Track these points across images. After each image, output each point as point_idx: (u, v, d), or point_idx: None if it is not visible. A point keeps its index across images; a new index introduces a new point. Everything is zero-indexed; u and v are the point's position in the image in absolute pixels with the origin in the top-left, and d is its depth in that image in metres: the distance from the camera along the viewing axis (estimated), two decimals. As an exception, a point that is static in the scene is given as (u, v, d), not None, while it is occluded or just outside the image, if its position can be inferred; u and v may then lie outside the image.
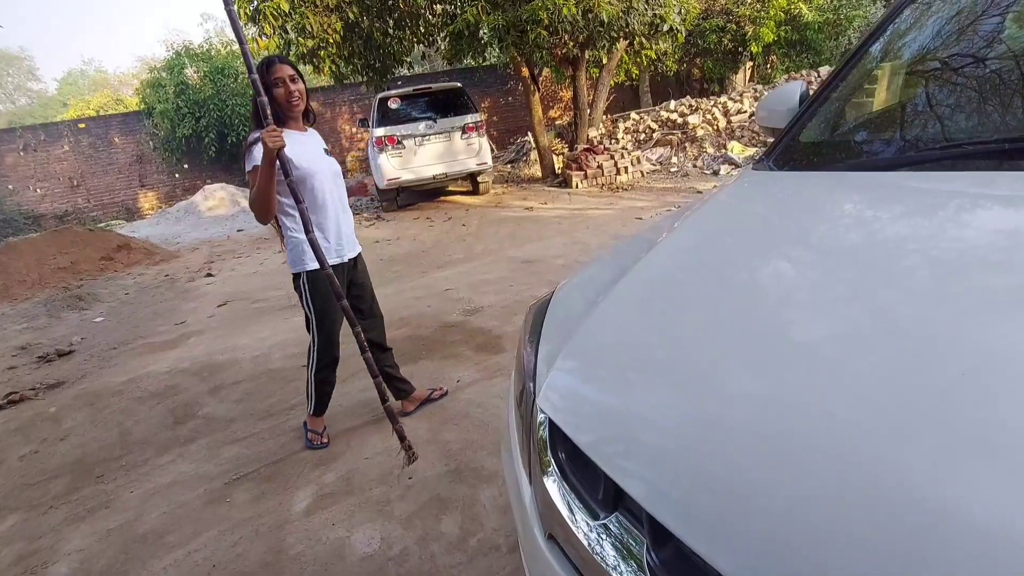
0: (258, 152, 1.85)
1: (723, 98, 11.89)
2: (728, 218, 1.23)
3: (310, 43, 6.92)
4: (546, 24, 6.02)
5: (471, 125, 7.95)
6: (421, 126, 7.79)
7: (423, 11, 7.35)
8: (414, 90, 8.41)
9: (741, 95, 11.76)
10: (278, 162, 1.82)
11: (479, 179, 8.93)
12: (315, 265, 1.97)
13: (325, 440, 2.36)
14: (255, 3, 6.58)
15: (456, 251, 5.72)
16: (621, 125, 12.26)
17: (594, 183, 8.91)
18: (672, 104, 12.32)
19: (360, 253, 2.29)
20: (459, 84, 8.59)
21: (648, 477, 0.63)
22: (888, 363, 0.59)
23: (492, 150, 12.25)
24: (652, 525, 0.59)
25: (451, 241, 6.25)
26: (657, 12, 6.72)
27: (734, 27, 12.35)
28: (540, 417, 0.80)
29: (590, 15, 6.09)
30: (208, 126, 13.27)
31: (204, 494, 2.14)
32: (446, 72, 14.00)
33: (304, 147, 2.04)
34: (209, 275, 6.32)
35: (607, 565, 0.62)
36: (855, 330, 0.68)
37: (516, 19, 6.16)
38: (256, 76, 1.81)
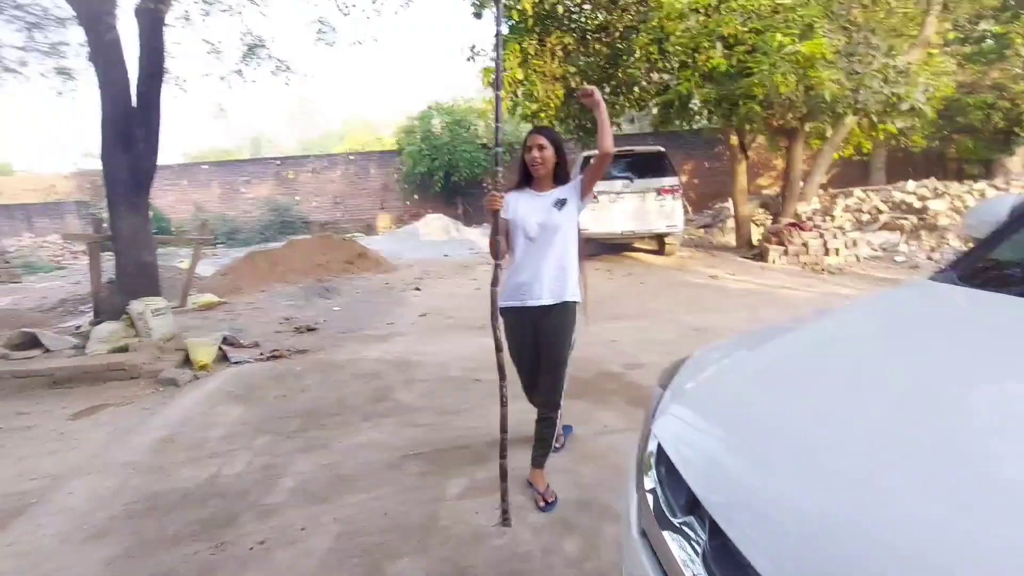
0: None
1: (982, 184, 10.06)
2: (886, 320, 1.26)
3: (534, 106, 7.93)
4: (761, 99, 5.98)
5: (667, 188, 8.12)
6: (618, 184, 8.21)
7: (639, 80, 7.88)
8: (617, 151, 8.91)
9: (1009, 183, 9.81)
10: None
11: (666, 240, 8.98)
12: (503, 304, 2.25)
13: (558, 445, 2.60)
14: (497, 72, 7.83)
15: (629, 306, 5.88)
16: (841, 202, 11.15)
17: (795, 261, 8.28)
18: (910, 184, 10.82)
19: (557, 306, 2.24)
20: (662, 148, 8.85)
21: (730, 514, 0.79)
22: None
23: (687, 211, 12.12)
24: (712, 529, 0.78)
25: (626, 296, 6.43)
26: (895, 91, 6.14)
27: (1008, 105, 10.43)
28: (652, 444, 1.01)
29: (811, 92, 5.88)
30: (440, 166, 15.75)
31: (387, 459, 2.68)
32: (651, 134, 14.39)
33: (527, 202, 2.25)
34: (417, 289, 7.50)
35: (679, 558, 0.81)
36: None
37: (730, 93, 6.25)
38: (502, 150, 2.19)
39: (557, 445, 2.61)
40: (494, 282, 2.18)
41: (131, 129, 4.91)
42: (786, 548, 0.70)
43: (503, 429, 2.12)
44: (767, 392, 1.04)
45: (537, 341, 2.30)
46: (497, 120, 2.17)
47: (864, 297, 1.44)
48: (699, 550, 0.81)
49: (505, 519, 2.12)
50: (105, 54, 4.75)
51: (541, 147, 2.23)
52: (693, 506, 0.84)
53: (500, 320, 2.24)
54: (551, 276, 2.24)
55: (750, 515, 0.76)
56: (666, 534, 0.86)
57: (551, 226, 2.22)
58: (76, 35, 5.82)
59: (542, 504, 2.25)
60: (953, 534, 0.62)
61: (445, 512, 2.23)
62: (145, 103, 4.96)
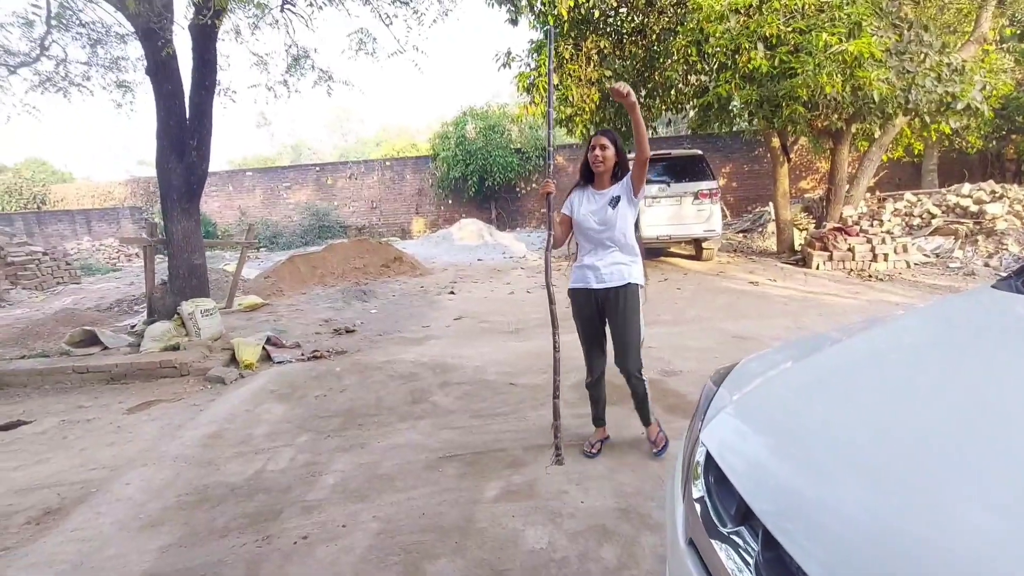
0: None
1: (1046, 187, 9.48)
2: (945, 328, 1.21)
3: (568, 111, 7.92)
4: (805, 100, 5.80)
5: (704, 192, 7.96)
6: (654, 188, 8.10)
7: (676, 82, 7.76)
8: (654, 154, 8.81)
9: (1077, 185, 9.21)
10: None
11: (704, 245, 8.80)
12: (572, 286, 2.63)
13: (594, 451, 2.67)
14: (532, 79, 7.87)
15: (665, 312, 5.79)
16: (890, 206, 10.67)
17: (840, 267, 7.99)
18: (966, 187, 10.26)
19: (622, 289, 2.51)
20: (699, 152, 8.70)
21: (783, 523, 0.78)
22: None
23: (726, 216, 11.82)
24: (765, 540, 0.76)
25: (662, 301, 6.33)
26: (950, 90, 5.85)
27: (1075, 102, 9.80)
28: (700, 450, 0.99)
29: (859, 92, 5.66)
30: (473, 171, 15.91)
31: (424, 460, 2.72)
32: (689, 137, 14.15)
33: (588, 203, 2.56)
34: (451, 293, 7.58)
35: (729, 569, 0.80)
36: None
37: (772, 94, 6.08)
38: (552, 149, 2.76)
39: (593, 451, 2.68)
40: (548, 248, 2.69)
41: (184, 138, 5.15)
42: (841, 557, 0.68)
43: (556, 371, 2.66)
44: (820, 400, 1.01)
45: (608, 321, 2.60)
46: (549, 128, 2.75)
47: (921, 305, 1.38)
48: (749, 560, 0.80)
49: (559, 458, 2.59)
50: (161, 67, 5.01)
51: (603, 147, 2.49)
52: (744, 516, 0.82)
53: (555, 287, 2.67)
54: (614, 262, 2.54)
55: (804, 524, 0.75)
56: (715, 544, 0.85)
57: (608, 222, 2.51)
58: (134, 50, 6.17)
59: (655, 450, 2.63)
60: (1015, 543, 0.61)
61: (482, 514, 2.24)
62: (198, 113, 5.20)
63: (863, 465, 0.80)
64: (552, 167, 2.70)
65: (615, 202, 2.50)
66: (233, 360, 4.61)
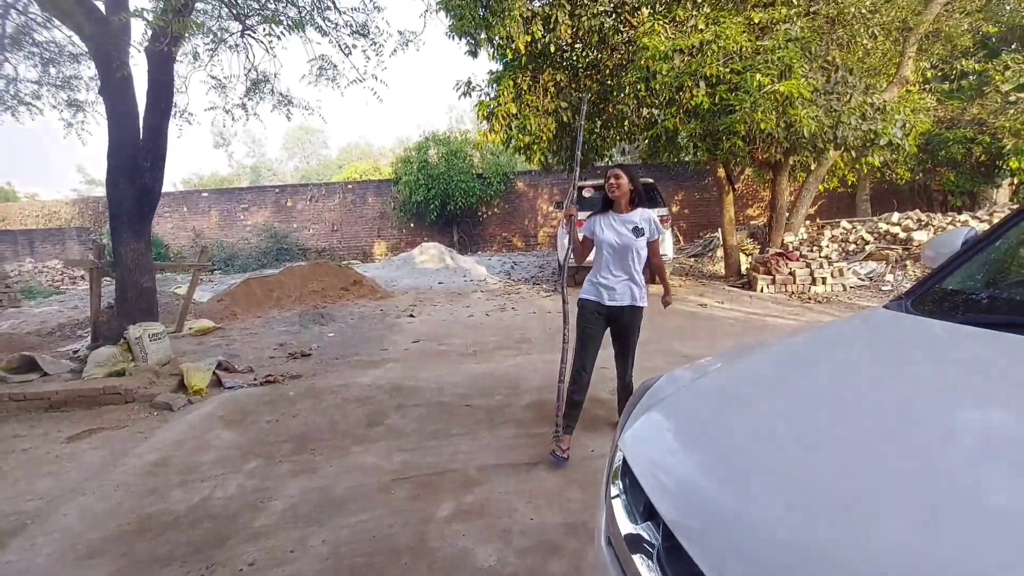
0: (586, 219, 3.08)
1: (964, 215, 10.35)
2: (839, 347, 1.36)
3: (527, 139, 8.18)
4: (743, 135, 6.23)
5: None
6: (609, 215, 8.38)
7: (628, 115, 8.16)
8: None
9: (991, 214, 10.09)
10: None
11: (657, 269, 9.13)
12: (583, 297, 2.97)
13: (565, 456, 2.85)
14: (491, 108, 8.13)
15: (620, 333, 5.96)
16: (828, 232, 11.39)
17: (782, 290, 8.43)
18: (895, 216, 11.09)
19: (629, 308, 2.93)
20: (651, 180, 9.09)
21: (688, 523, 0.87)
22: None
23: (679, 241, 12.29)
24: (665, 532, 0.86)
25: (617, 323, 6.51)
26: (872, 127, 6.41)
27: (988, 139, 10.81)
28: (618, 455, 1.10)
29: (792, 129, 6.13)
30: (435, 196, 16.03)
31: (377, 483, 2.74)
32: (643, 165, 14.75)
33: (607, 225, 2.94)
34: (411, 316, 7.59)
35: (638, 564, 0.90)
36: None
37: (714, 129, 6.50)
38: (575, 186, 4.13)
39: (564, 456, 2.86)
40: (566, 258, 3.27)
41: (138, 160, 5.07)
42: (754, 570, 0.71)
43: (563, 360, 3.11)
44: (726, 412, 1.13)
45: (614, 333, 3.01)
46: (576, 171, 3.78)
47: (819, 326, 1.56)
48: (652, 553, 0.89)
49: (557, 435, 2.91)
50: (115, 88, 4.94)
51: (617, 176, 2.92)
52: (651, 513, 0.92)
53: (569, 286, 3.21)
54: (626, 283, 2.92)
55: (719, 537, 0.79)
56: (627, 538, 0.95)
57: (627, 247, 2.89)
58: (88, 69, 6.05)
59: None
60: (931, 561, 0.61)
61: (433, 534, 2.29)
62: (152, 135, 5.14)
63: (780, 476, 0.85)
64: (575, 198, 3.77)
65: (638, 232, 2.88)
66: (182, 386, 4.49)
